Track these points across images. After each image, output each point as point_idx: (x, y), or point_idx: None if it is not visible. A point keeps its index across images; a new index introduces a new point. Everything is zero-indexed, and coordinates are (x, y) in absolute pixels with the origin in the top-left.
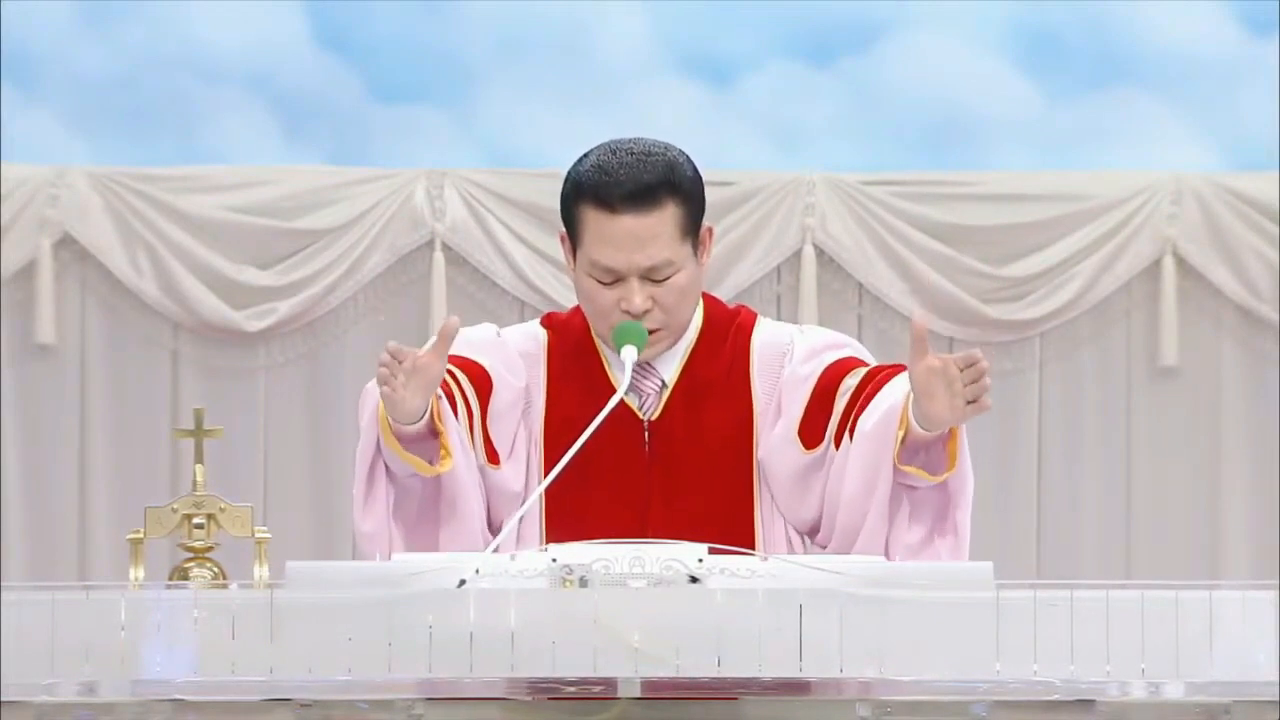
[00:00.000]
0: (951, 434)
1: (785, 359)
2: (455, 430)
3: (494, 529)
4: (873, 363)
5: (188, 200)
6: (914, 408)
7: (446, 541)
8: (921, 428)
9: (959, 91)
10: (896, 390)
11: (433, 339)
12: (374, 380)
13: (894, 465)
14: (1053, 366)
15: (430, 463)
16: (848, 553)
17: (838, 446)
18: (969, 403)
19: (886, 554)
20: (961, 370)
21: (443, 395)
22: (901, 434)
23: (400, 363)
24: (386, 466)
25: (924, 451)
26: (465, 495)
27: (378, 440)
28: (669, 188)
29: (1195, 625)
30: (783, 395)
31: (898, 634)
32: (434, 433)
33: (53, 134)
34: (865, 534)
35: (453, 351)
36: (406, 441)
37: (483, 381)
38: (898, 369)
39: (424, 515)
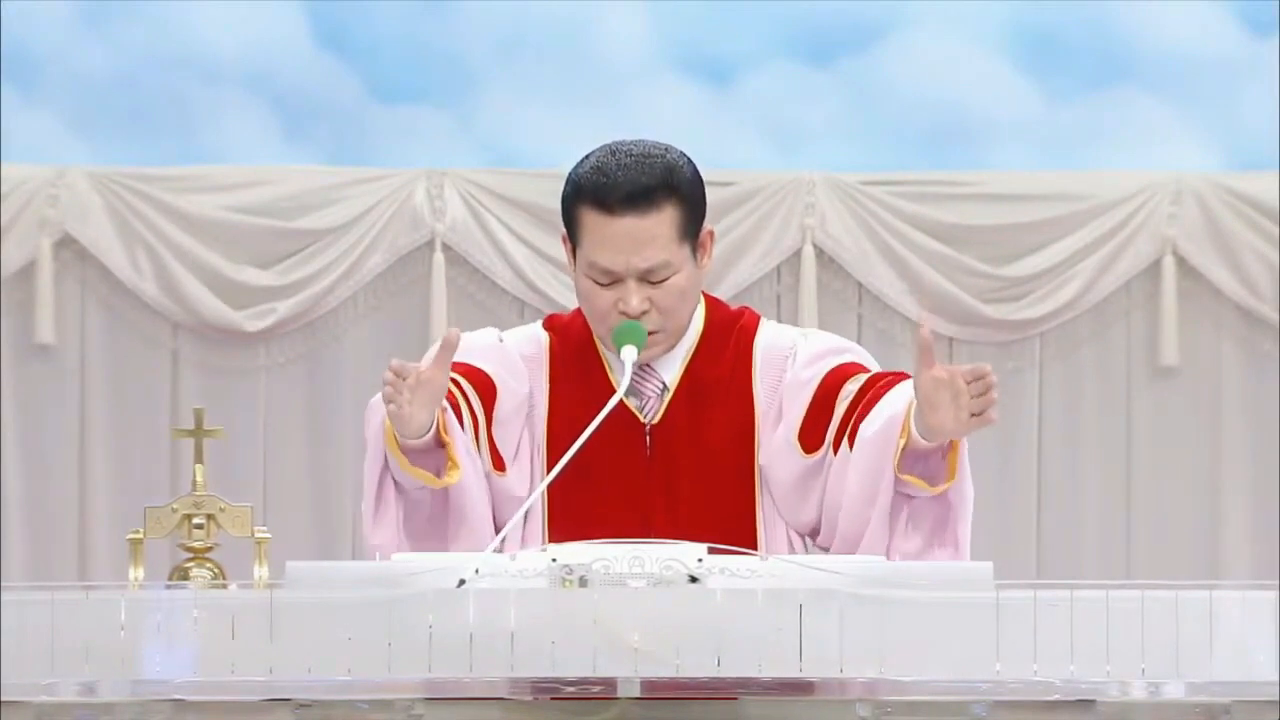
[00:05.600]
0: (952, 446)
1: (788, 363)
2: (462, 441)
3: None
4: (875, 369)
5: (188, 200)
6: (916, 418)
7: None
8: (923, 438)
9: (959, 91)
10: (898, 398)
11: (433, 348)
12: (379, 395)
13: (894, 473)
14: (1053, 366)
15: (438, 475)
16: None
17: (836, 451)
18: (974, 415)
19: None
20: (969, 383)
21: (448, 406)
22: (902, 442)
23: (404, 379)
24: (395, 480)
25: (922, 461)
26: (473, 505)
27: (385, 455)
28: (667, 190)
29: (1195, 625)
30: (784, 400)
31: (898, 634)
32: (440, 444)
33: (53, 134)
34: (867, 542)
35: (456, 358)
36: (413, 455)
37: (487, 388)
38: (900, 377)
39: (433, 526)
